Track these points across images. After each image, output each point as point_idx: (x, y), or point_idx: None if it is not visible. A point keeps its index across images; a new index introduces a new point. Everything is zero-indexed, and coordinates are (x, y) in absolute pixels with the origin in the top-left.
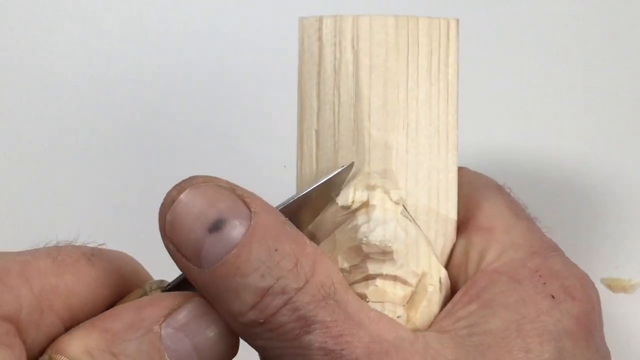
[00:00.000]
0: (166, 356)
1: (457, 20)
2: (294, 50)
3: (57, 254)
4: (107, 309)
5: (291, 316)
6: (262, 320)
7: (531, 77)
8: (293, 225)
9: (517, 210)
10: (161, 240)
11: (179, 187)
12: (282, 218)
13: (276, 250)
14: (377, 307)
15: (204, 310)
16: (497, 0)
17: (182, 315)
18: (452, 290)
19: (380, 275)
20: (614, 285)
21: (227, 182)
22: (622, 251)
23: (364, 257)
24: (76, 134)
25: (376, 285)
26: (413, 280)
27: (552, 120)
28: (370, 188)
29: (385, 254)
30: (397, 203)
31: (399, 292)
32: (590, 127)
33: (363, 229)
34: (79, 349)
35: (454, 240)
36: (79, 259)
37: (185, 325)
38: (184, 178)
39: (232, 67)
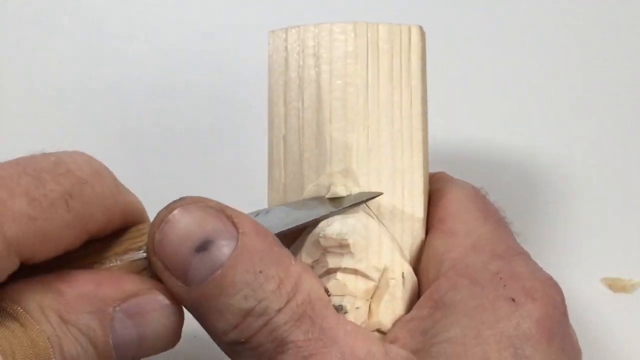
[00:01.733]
0: (110, 339)
1: (420, 27)
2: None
3: (37, 190)
4: (84, 245)
5: (268, 337)
6: (243, 340)
7: (532, 78)
8: (281, 244)
9: (486, 213)
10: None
11: (169, 208)
12: (271, 238)
13: (260, 272)
14: (338, 300)
15: (159, 305)
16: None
17: (137, 304)
18: (420, 291)
19: (340, 269)
20: (614, 285)
21: (217, 203)
22: (622, 251)
23: (324, 251)
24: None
25: (337, 279)
26: (375, 275)
27: (552, 120)
28: (332, 186)
29: (343, 247)
30: None
31: (360, 285)
32: (590, 128)
33: (322, 224)
34: (34, 303)
35: (423, 238)
36: (55, 201)
37: (136, 314)
38: (177, 197)
39: (232, 69)
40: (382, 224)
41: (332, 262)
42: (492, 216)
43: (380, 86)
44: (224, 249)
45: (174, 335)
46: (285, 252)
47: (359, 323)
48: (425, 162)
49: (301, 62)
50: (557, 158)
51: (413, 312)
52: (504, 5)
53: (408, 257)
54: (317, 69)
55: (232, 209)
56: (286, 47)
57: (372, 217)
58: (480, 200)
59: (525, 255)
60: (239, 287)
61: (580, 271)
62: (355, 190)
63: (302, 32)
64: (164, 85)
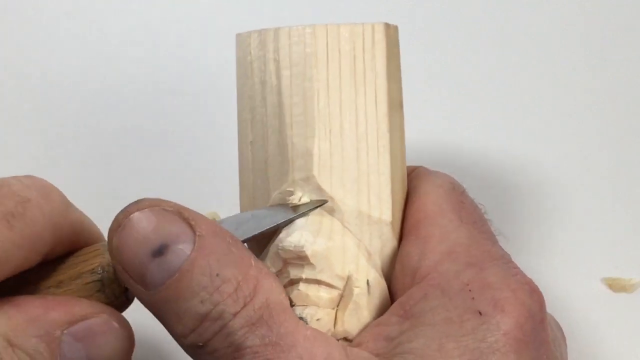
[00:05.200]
0: None
1: (385, 25)
2: None
3: None
4: (37, 265)
5: (224, 342)
6: (201, 344)
7: (534, 78)
8: (241, 245)
9: (463, 215)
10: None
11: (125, 212)
12: (229, 239)
13: (217, 275)
14: (299, 310)
15: (108, 327)
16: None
17: (85, 327)
18: (392, 298)
19: (302, 280)
20: (614, 285)
21: (174, 205)
22: (622, 251)
23: (285, 263)
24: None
25: (299, 290)
26: (339, 283)
27: (552, 121)
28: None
29: (301, 258)
30: (321, 208)
31: (323, 295)
32: (590, 128)
33: (282, 235)
34: None
35: (395, 242)
36: None
37: (85, 338)
38: (133, 200)
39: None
40: (348, 229)
41: (293, 273)
42: (469, 217)
43: (342, 88)
44: (180, 252)
45: (125, 357)
46: (245, 253)
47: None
48: (398, 163)
49: (263, 68)
50: (557, 158)
51: (382, 318)
52: (500, 7)
53: (378, 261)
54: (277, 74)
55: (190, 210)
56: (250, 52)
57: (336, 223)
58: (456, 200)
59: (501, 260)
60: (196, 291)
61: (580, 271)
62: (313, 197)
63: (263, 37)
64: (160, 86)
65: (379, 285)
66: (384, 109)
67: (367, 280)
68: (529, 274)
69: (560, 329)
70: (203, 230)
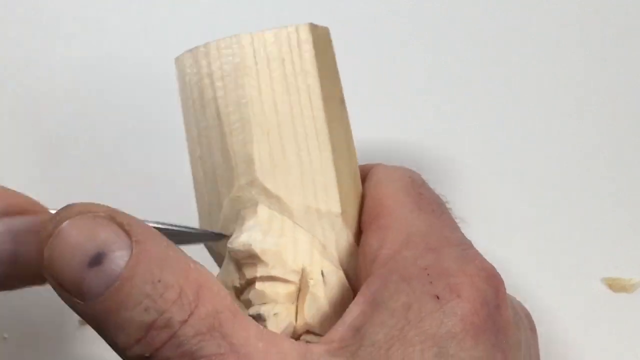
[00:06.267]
0: None
1: (309, 25)
2: None
3: None
4: None
5: (176, 351)
6: (147, 355)
7: (539, 78)
8: (176, 247)
9: (422, 204)
10: None
11: (55, 221)
12: (165, 242)
13: (159, 281)
14: (256, 308)
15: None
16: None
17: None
18: (358, 289)
19: (257, 278)
20: (614, 285)
21: (107, 209)
22: (622, 251)
23: (238, 265)
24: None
25: (255, 289)
26: (294, 278)
27: (548, 121)
28: (241, 201)
29: (252, 257)
30: (269, 208)
31: (280, 290)
32: (590, 128)
33: (232, 237)
34: None
35: (349, 233)
36: None
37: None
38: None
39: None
40: (299, 225)
41: (248, 273)
42: (428, 206)
43: (274, 90)
44: (118, 260)
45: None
46: (183, 256)
47: (282, 327)
48: (343, 156)
49: (199, 84)
50: (556, 158)
51: (348, 309)
52: (500, 6)
53: (335, 253)
54: (212, 86)
55: (123, 214)
56: (186, 72)
57: (286, 221)
58: (414, 192)
59: (461, 247)
60: (139, 299)
61: (580, 271)
62: (262, 199)
63: (195, 55)
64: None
65: (335, 275)
66: (318, 105)
67: (322, 271)
68: (528, 273)
69: (529, 316)
70: (139, 235)
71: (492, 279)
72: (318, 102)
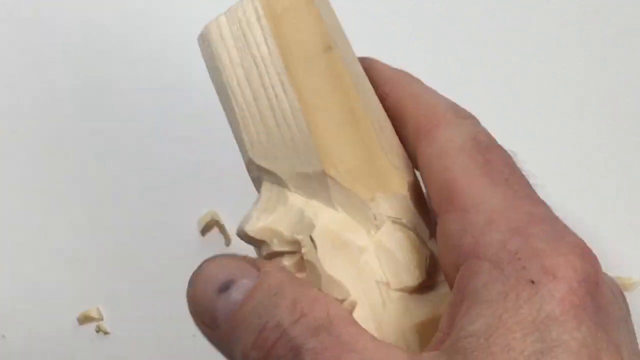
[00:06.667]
0: None
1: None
2: None
3: None
4: None
5: (285, 348)
6: (262, 357)
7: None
8: (308, 283)
9: (493, 174)
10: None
11: (198, 266)
12: (292, 274)
13: (276, 293)
14: None
15: None
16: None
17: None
18: (445, 277)
19: (264, 257)
20: None
21: (242, 256)
22: (622, 250)
23: (254, 246)
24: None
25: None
26: (293, 247)
27: (552, 120)
28: (256, 181)
29: (252, 239)
30: (272, 184)
31: (286, 262)
32: (590, 128)
33: (241, 222)
34: None
35: (340, 188)
36: None
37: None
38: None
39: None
40: (295, 194)
41: (259, 253)
42: (500, 175)
43: (243, 65)
44: (244, 285)
45: None
46: (305, 280)
47: None
48: (327, 110)
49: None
50: (556, 158)
51: (448, 303)
52: (500, 6)
53: (332, 211)
54: (210, 72)
55: (256, 258)
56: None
57: (282, 193)
58: (483, 158)
59: (547, 223)
60: (256, 311)
61: None
62: (265, 177)
63: (201, 36)
64: (160, 87)
65: (329, 237)
66: (279, 65)
67: (310, 236)
68: None
69: (621, 293)
70: (267, 267)
71: (587, 255)
72: (278, 62)
